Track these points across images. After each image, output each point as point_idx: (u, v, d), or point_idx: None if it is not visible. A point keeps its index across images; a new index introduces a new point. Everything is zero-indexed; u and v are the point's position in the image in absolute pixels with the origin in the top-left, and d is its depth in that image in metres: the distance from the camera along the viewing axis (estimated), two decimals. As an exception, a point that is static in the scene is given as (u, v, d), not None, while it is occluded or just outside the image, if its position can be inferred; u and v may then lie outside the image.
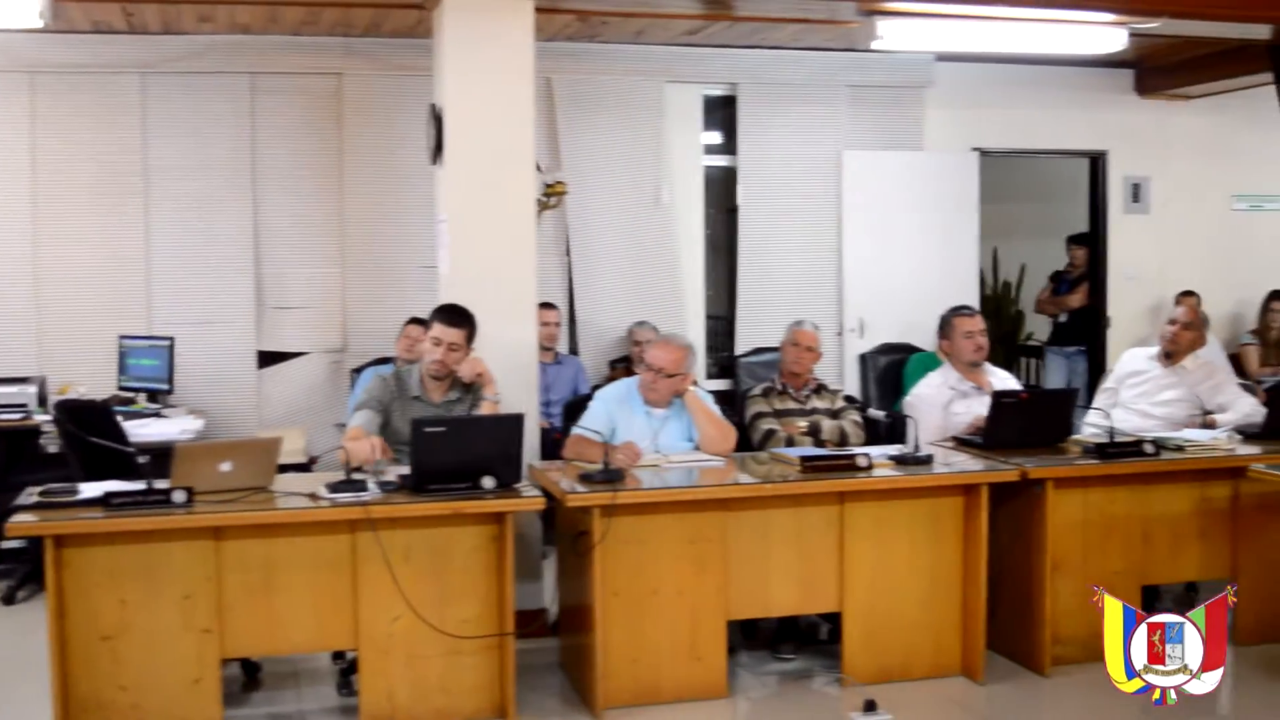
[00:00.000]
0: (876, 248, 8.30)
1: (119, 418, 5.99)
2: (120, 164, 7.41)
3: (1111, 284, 8.98)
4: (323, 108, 7.64)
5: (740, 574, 4.80)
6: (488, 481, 4.43)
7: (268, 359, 7.68)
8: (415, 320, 6.55)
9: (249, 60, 7.48)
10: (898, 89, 8.41)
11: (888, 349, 7.56)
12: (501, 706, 4.54)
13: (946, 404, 5.76)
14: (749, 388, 6.02)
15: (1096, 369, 8.71)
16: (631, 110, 8.03)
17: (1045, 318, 9.40)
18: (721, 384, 8.17)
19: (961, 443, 5.45)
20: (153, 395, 6.95)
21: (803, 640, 5.34)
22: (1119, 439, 5.29)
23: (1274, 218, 8.75)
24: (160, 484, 4.23)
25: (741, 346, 8.21)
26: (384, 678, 4.48)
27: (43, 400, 6.72)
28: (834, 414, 5.78)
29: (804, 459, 4.93)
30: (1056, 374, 9.10)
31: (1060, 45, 6.77)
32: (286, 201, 7.63)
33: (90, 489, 4.35)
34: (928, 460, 5.05)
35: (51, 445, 6.05)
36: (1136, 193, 9.01)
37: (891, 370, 7.10)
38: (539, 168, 6.31)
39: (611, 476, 4.65)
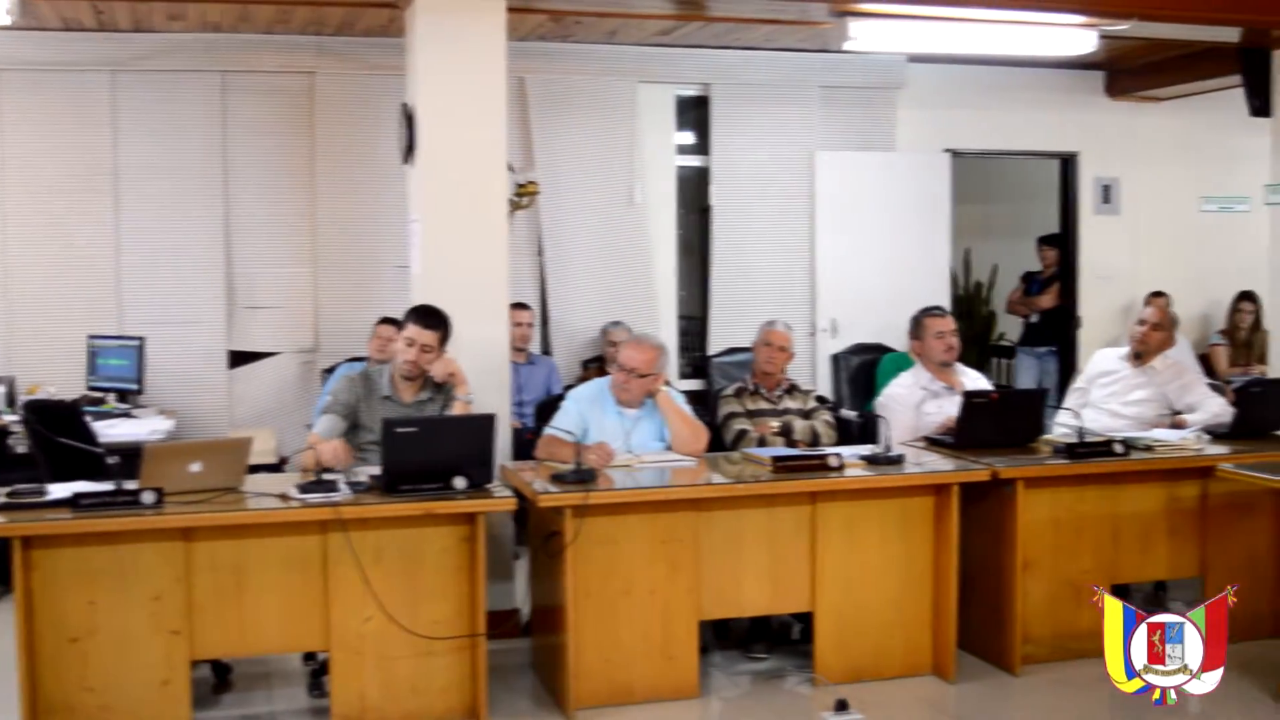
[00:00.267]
0: (849, 248, 8.33)
1: (88, 418, 5.93)
2: (90, 162, 7.36)
3: (1082, 284, 9.03)
4: (295, 107, 7.60)
5: (712, 574, 4.81)
6: (459, 482, 4.41)
7: (239, 359, 7.64)
8: (387, 320, 6.53)
9: (220, 59, 7.43)
10: (870, 90, 8.43)
11: (860, 349, 7.56)
12: (473, 707, 4.53)
13: (918, 404, 5.78)
14: (721, 388, 6.02)
15: (1067, 369, 8.75)
16: (604, 110, 8.03)
17: (1017, 318, 9.43)
18: (694, 384, 8.17)
19: (933, 442, 5.48)
20: (122, 395, 6.90)
21: (775, 640, 5.36)
22: (1089, 439, 5.33)
23: (1243, 219, 8.80)
24: (129, 485, 4.21)
25: (714, 347, 8.21)
26: (355, 679, 4.47)
27: (11, 400, 6.69)
28: (806, 414, 5.79)
29: (776, 459, 4.94)
30: (1028, 374, 9.13)
31: (1031, 47, 6.81)
32: (258, 201, 7.59)
33: (59, 490, 4.32)
34: (899, 460, 5.07)
35: (20, 446, 6.02)
36: (1107, 194, 9.06)
37: (863, 370, 7.10)
38: (511, 167, 6.29)
39: (584, 477, 4.65)
